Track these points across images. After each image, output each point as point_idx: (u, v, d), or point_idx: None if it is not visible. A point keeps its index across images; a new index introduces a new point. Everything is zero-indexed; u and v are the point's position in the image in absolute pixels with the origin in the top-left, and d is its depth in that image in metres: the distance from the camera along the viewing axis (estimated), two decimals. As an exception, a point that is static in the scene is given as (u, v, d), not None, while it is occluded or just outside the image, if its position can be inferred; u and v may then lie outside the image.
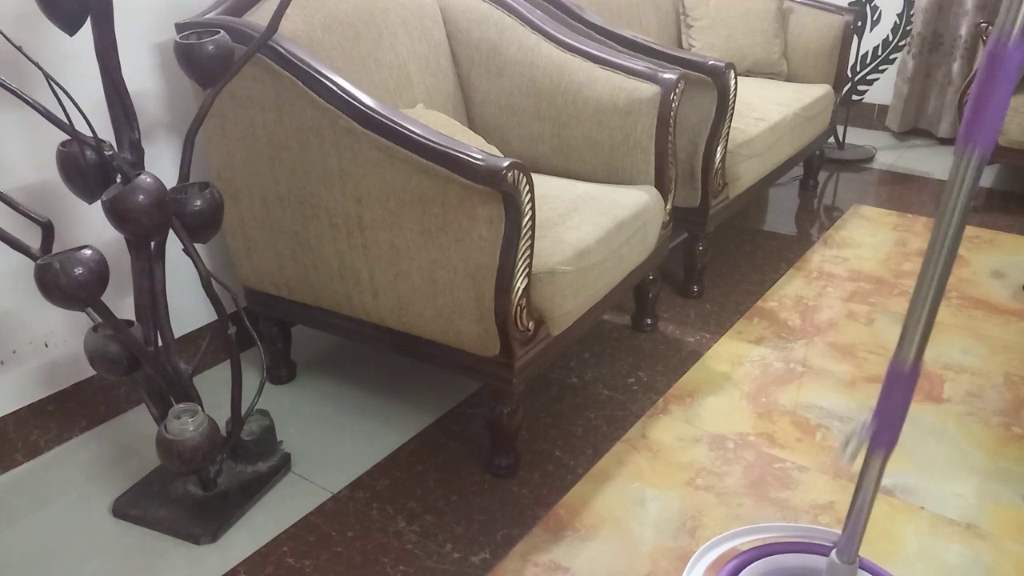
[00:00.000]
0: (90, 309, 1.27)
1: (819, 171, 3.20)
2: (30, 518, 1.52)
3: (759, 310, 2.22)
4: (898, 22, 3.29)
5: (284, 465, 1.61)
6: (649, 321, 2.12)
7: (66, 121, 1.22)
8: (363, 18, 1.77)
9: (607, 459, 1.64)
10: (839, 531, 1.06)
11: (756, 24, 2.80)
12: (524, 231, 1.36)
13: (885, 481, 1.57)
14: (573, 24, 2.17)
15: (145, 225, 1.21)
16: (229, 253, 1.83)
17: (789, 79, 2.93)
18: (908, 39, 3.45)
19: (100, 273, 1.16)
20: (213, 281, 1.37)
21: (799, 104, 2.57)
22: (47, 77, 1.15)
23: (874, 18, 3.36)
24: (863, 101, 3.75)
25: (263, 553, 1.42)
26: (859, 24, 3.31)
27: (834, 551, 1.06)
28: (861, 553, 1.19)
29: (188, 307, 1.91)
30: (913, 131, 3.75)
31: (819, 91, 2.74)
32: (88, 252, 1.14)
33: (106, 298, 1.70)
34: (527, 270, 1.41)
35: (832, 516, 1.49)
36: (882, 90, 3.71)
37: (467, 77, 2.01)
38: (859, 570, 1.07)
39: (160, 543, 1.45)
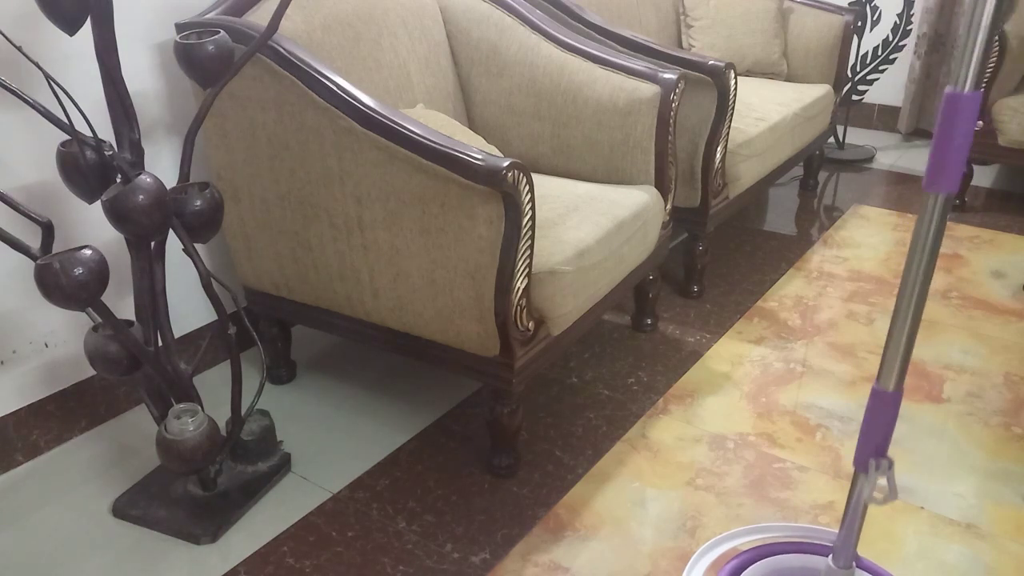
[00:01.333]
0: (90, 309, 1.27)
1: (819, 171, 3.20)
2: (30, 518, 1.52)
3: (759, 310, 2.22)
4: (898, 22, 3.29)
5: (284, 465, 1.61)
6: (649, 321, 2.12)
7: (66, 121, 1.22)
8: (363, 18, 1.77)
9: (607, 459, 1.64)
10: (839, 531, 1.06)
11: (756, 24, 2.80)
12: (524, 231, 1.36)
13: (885, 481, 1.57)
14: (573, 24, 2.17)
15: (145, 225, 1.21)
16: (229, 253, 1.83)
17: (789, 79, 2.93)
18: (915, 40, 3.45)
19: (100, 273, 1.16)
20: (213, 281, 1.37)
21: (799, 104, 2.57)
22: (47, 77, 1.15)
23: (874, 18, 3.36)
24: (863, 101, 3.75)
25: (263, 553, 1.42)
26: (859, 24, 3.31)
27: (830, 556, 1.06)
28: (861, 553, 1.19)
29: (188, 307, 1.91)
30: (914, 131, 3.75)
31: (819, 91, 2.74)
32: (88, 252, 1.14)
33: (106, 298, 1.70)
34: (527, 270, 1.41)
35: (832, 516, 1.49)
36: (884, 90, 3.71)
37: (467, 77, 2.01)
38: (859, 570, 1.07)
39: (160, 543, 1.45)
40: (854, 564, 1.05)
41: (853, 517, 1.02)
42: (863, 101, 3.74)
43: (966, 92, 0.80)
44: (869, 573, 1.13)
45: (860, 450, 0.99)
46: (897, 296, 0.92)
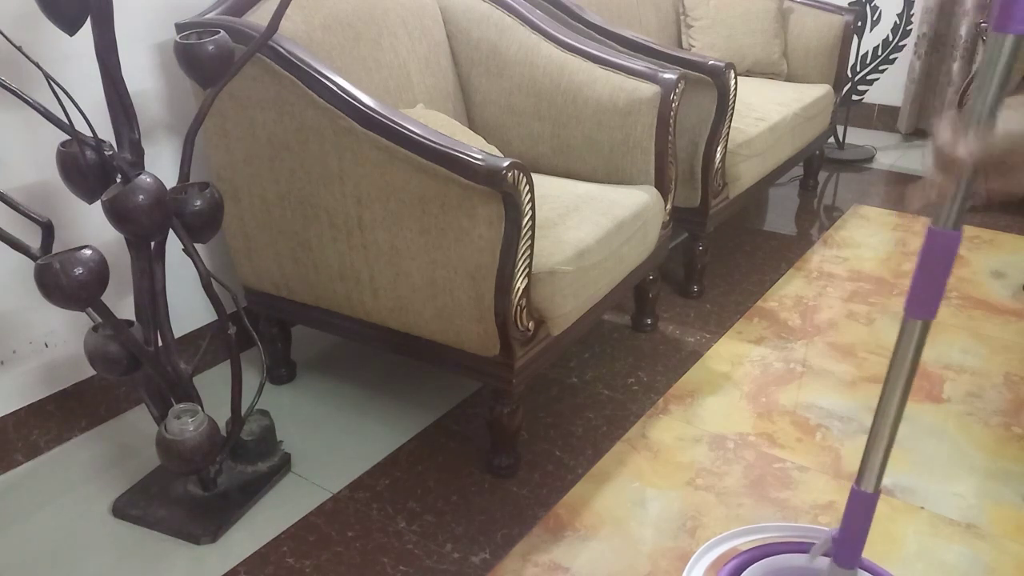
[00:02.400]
0: (90, 309, 1.27)
1: (819, 171, 3.20)
2: (30, 518, 1.52)
3: (759, 310, 2.22)
4: (898, 22, 3.29)
5: (284, 465, 1.61)
6: (649, 321, 2.12)
7: (66, 121, 1.22)
8: (363, 18, 1.77)
9: (607, 459, 1.64)
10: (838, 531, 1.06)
11: (756, 24, 2.80)
12: (524, 231, 1.36)
13: (885, 481, 1.57)
14: (573, 24, 2.17)
15: (145, 225, 1.21)
16: (229, 253, 1.83)
17: (789, 79, 2.93)
18: (915, 40, 3.45)
19: (100, 273, 1.16)
20: (213, 281, 1.37)
21: (799, 104, 2.57)
22: (47, 77, 1.15)
23: (874, 18, 3.36)
24: (863, 101, 3.75)
25: (263, 553, 1.42)
26: (859, 24, 3.30)
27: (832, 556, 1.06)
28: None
29: (188, 307, 1.91)
30: (914, 131, 3.75)
31: (819, 91, 2.74)
32: (88, 252, 1.14)
33: (106, 298, 1.69)
34: (527, 270, 1.41)
35: (832, 516, 1.49)
36: (884, 90, 3.71)
37: (467, 77, 2.01)
38: (859, 570, 1.07)
39: (160, 543, 1.45)
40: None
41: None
42: (863, 101, 3.74)
43: (947, 230, 0.85)
44: (869, 573, 1.13)
45: (839, 547, 1.05)
46: (878, 405, 0.96)
